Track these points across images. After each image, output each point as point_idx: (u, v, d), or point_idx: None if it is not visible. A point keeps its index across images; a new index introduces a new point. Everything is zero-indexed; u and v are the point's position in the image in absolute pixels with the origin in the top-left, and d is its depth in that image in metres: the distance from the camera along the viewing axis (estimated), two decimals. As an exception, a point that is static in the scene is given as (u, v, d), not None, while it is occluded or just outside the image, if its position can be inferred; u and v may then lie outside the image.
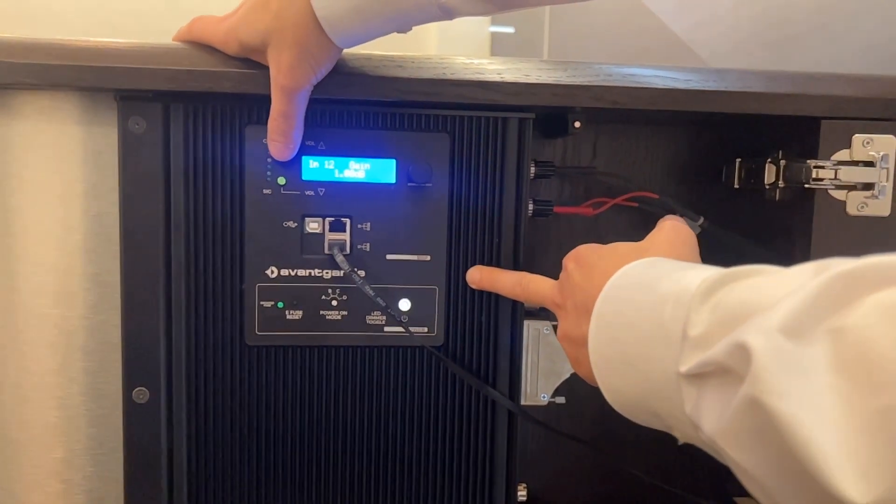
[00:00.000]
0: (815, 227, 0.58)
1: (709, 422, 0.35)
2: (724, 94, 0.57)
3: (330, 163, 0.57)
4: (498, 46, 1.33)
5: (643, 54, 1.15)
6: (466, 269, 0.60)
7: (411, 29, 0.52)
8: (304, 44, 0.49)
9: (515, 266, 0.60)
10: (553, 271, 0.55)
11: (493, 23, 1.32)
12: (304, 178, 0.57)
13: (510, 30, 1.36)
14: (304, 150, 0.56)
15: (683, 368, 0.37)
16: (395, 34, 0.52)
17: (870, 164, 0.58)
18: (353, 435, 0.60)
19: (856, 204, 0.58)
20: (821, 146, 0.58)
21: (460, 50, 1.21)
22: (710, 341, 0.36)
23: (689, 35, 1.08)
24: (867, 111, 0.58)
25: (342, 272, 0.58)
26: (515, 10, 0.52)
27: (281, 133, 0.54)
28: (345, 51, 0.52)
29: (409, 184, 0.58)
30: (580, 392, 0.73)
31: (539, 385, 0.66)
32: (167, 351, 0.57)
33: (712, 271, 0.39)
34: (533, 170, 0.62)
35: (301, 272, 0.58)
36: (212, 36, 0.54)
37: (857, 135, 0.58)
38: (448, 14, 0.49)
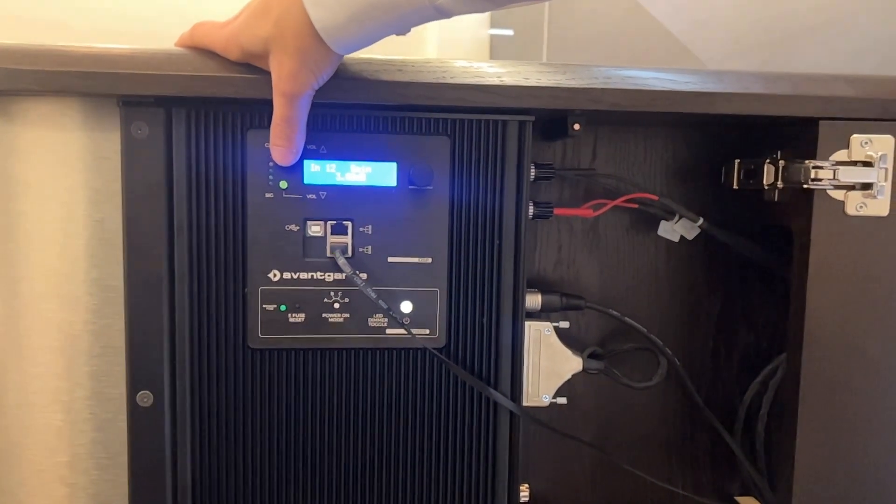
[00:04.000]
0: (813, 228, 0.58)
1: None
2: (722, 96, 0.58)
3: (331, 166, 0.58)
4: (497, 49, 1.33)
5: (641, 56, 1.15)
6: (468, 271, 0.60)
7: (410, 30, 0.52)
8: (304, 51, 0.50)
9: (517, 268, 0.60)
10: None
11: (492, 25, 1.32)
12: (305, 181, 0.58)
13: (509, 32, 1.36)
14: (306, 153, 0.57)
15: None
16: (393, 36, 0.52)
17: (868, 164, 0.58)
18: (356, 436, 0.60)
19: (854, 204, 0.58)
20: (819, 146, 0.58)
21: (460, 52, 1.21)
22: None
23: (687, 36, 1.09)
24: (865, 111, 0.58)
25: (344, 275, 0.58)
26: (510, 7, 0.51)
27: (284, 138, 0.54)
28: (346, 55, 0.53)
29: (410, 187, 0.59)
30: (582, 393, 0.73)
31: (541, 386, 0.66)
32: (171, 354, 0.57)
33: None
34: (533, 172, 0.63)
35: (303, 275, 0.58)
36: (213, 42, 0.54)
37: (855, 135, 0.58)
38: (444, 14, 0.49)
